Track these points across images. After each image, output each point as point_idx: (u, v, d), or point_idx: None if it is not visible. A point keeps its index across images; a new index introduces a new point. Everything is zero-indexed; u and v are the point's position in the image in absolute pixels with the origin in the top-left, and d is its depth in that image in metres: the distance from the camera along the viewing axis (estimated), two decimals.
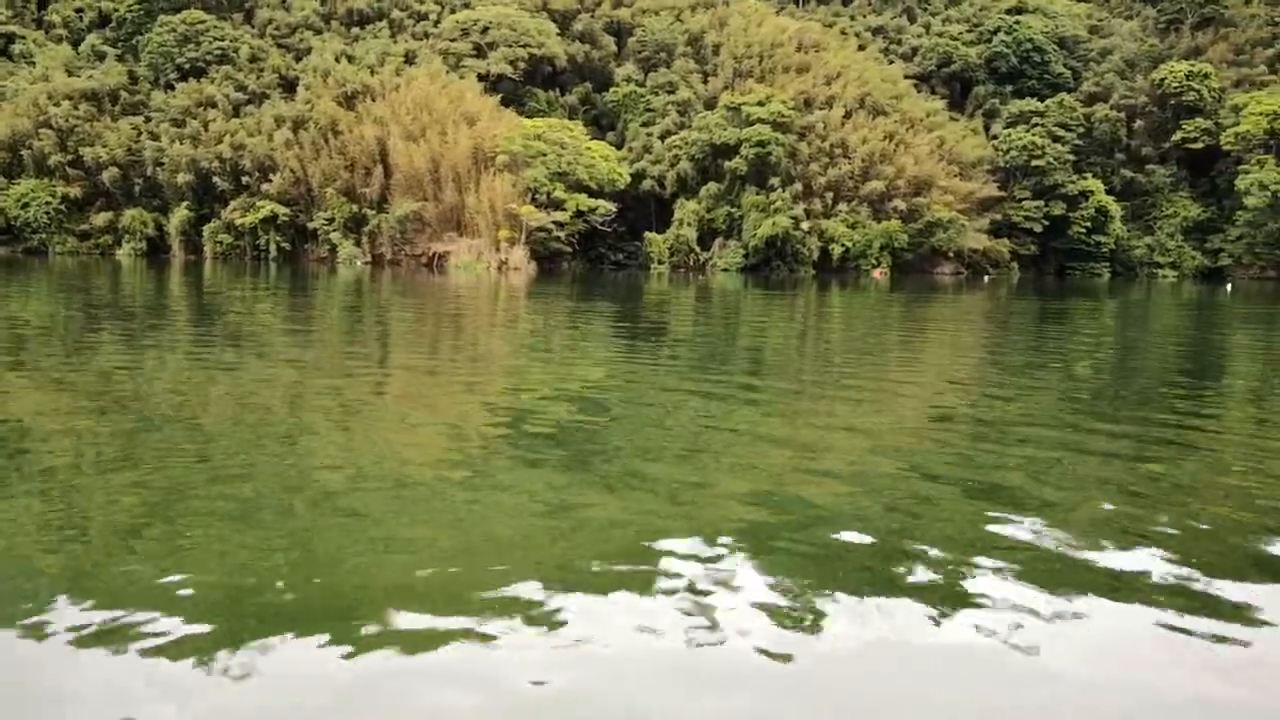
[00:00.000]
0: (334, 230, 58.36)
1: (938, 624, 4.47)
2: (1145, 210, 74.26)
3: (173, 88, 63.90)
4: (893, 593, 4.82)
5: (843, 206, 62.67)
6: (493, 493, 6.54)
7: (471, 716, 3.59)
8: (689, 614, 4.49)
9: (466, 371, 13.56)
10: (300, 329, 19.17)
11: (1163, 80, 71.52)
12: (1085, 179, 70.02)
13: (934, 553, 5.41)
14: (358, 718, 3.55)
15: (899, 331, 22.33)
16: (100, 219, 62.77)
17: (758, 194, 61.08)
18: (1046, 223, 69.21)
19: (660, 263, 61.68)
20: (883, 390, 12.38)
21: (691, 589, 4.77)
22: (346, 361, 13.63)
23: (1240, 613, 4.70)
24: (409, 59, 65.16)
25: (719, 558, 5.24)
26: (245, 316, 21.60)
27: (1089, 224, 69.46)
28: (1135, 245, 72.84)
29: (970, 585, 4.94)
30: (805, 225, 60.98)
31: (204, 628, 4.18)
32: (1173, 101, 71.61)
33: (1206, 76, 70.99)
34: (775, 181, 61.02)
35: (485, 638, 4.17)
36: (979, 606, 4.68)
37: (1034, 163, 68.34)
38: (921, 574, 5.07)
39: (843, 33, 77.67)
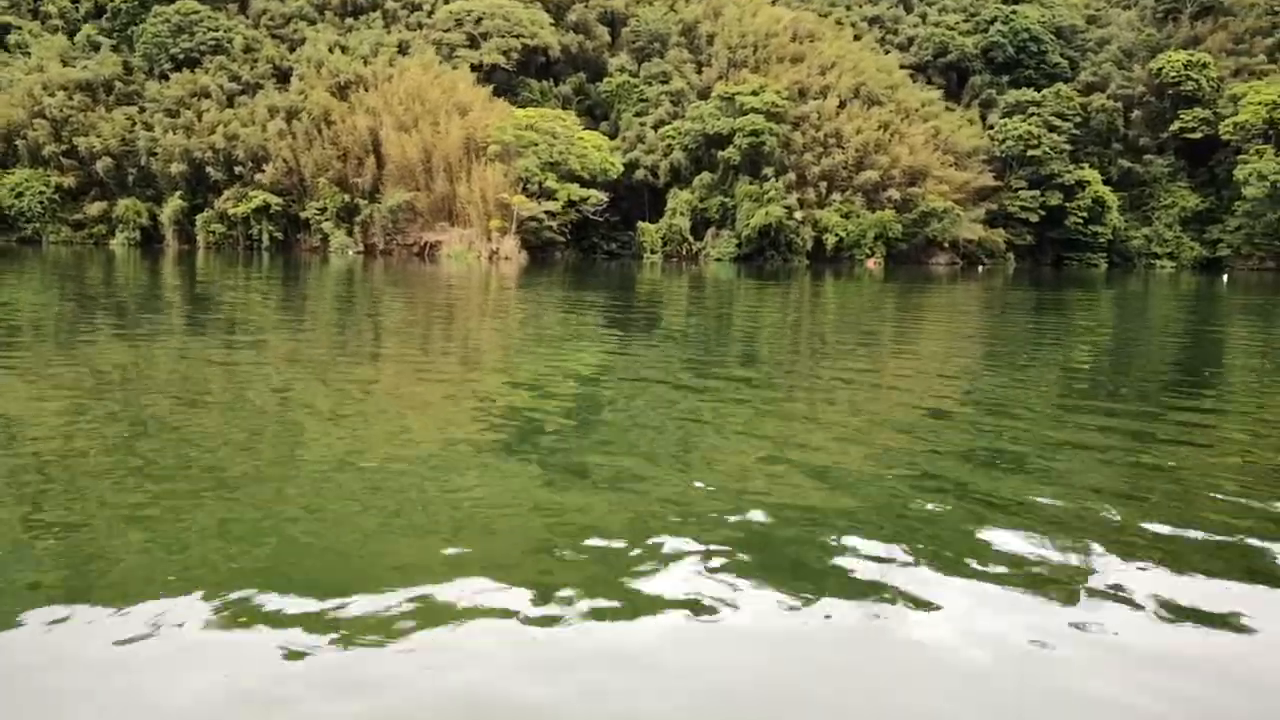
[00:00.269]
0: (326, 220, 58.28)
1: (930, 622, 4.38)
2: (1143, 201, 74.06)
3: (167, 78, 63.72)
4: (885, 589, 4.73)
5: (837, 196, 62.52)
6: (480, 484, 6.44)
7: (458, 710, 3.56)
8: (680, 606, 4.45)
9: (456, 362, 13.47)
10: (293, 319, 19.15)
11: (1161, 70, 71.23)
12: (1082, 169, 69.81)
13: (928, 548, 5.31)
14: (348, 701, 3.57)
15: (893, 322, 22.23)
16: (94, 209, 62.67)
17: (751, 184, 60.93)
18: (1043, 213, 69.00)
19: (653, 252, 61.58)
20: (876, 382, 12.26)
21: (684, 581, 4.73)
22: (337, 354, 13.52)
23: (1236, 612, 4.59)
24: (402, 49, 64.96)
25: (710, 550, 5.17)
26: (239, 306, 21.55)
27: (1085, 214, 69.25)
28: (1133, 236, 72.65)
29: (964, 581, 4.85)
30: (799, 215, 60.85)
31: (201, 611, 4.24)
32: (1171, 91, 71.33)
33: (1205, 66, 70.69)
34: (769, 171, 60.88)
35: (473, 630, 4.16)
36: (974, 602, 4.61)
37: (1030, 152, 68.12)
38: (914, 570, 4.97)
39: (838, 23, 77.37)
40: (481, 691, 3.66)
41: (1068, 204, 69.13)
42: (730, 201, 61.85)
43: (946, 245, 65.24)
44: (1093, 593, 4.74)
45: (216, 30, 64.74)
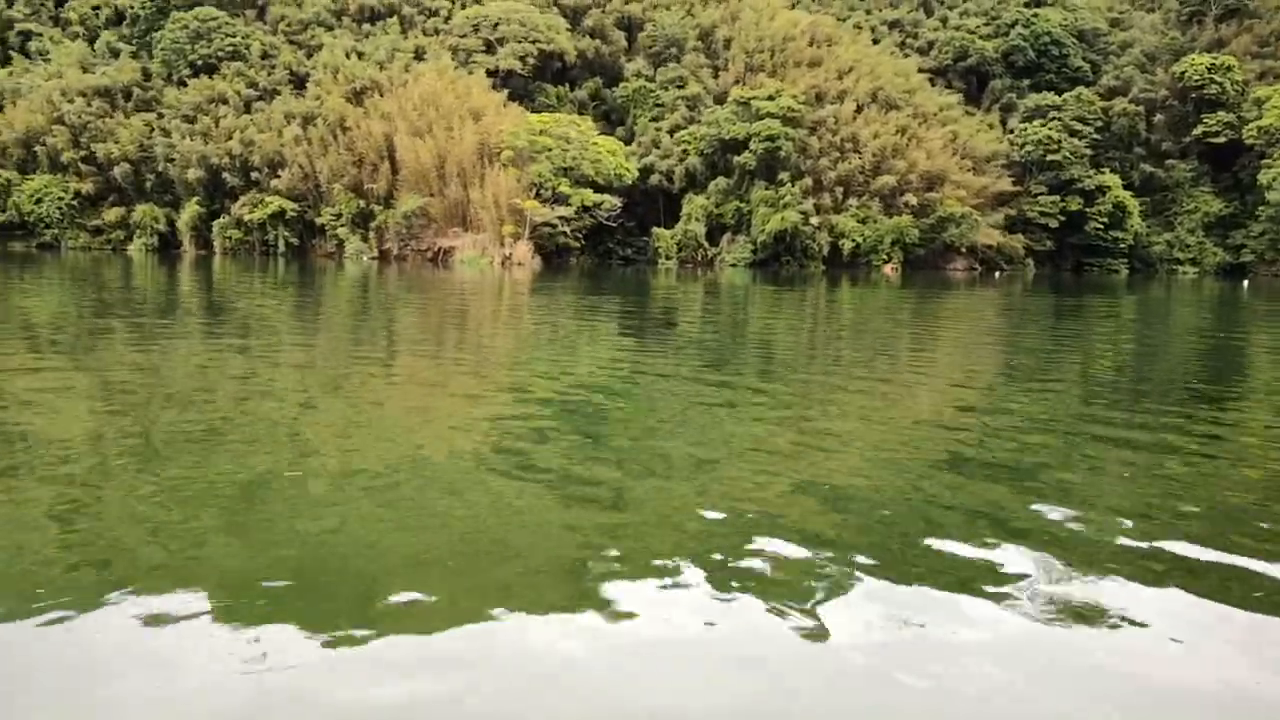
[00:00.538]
0: (341, 225, 58.35)
1: (957, 621, 4.40)
2: (1165, 206, 73.10)
3: (185, 84, 64.07)
4: (909, 591, 4.74)
5: (853, 201, 61.99)
6: (501, 485, 6.50)
7: (485, 701, 3.62)
8: (704, 607, 4.49)
9: (471, 367, 13.28)
10: (310, 324, 19.32)
11: (1184, 73, 70.31)
12: (1102, 174, 68.97)
13: (951, 550, 5.33)
14: (366, 697, 3.63)
15: (911, 327, 21.96)
16: (112, 214, 63.10)
17: (767, 189, 60.53)
18: (1063, 218, 68.20)
19: (668, 258, 61.28)
20: (896, 385, 12.13)
21: (707, 581, 4.77)
22: (353, 360, 13.38)
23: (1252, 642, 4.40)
24: (419, 55, 65.05)
25: (734, 551, 5.21)
26: (256, 311, 21.56)
27: (1106, 219, 68.40)
28: (1154, 241, 71.72)
29: (990, 583, 4.86)
30: (815, 220, 60.38)
31: (224, 609, 4.31)
32: (1194, 95, 70.41)
33: (1229, 69, 69.74)
34: (785, 176, 60.44)
35: (498, 627, 4.24)
36: (1000, 604, 4.60)
37: (1050, 157, 67.36)
38: (939, 572, 5.00)
39: (857, 26, 76.90)
40: (511, 679, 3.78)
41: (1088, 209, 68.31)
42: (746, 207, 61.47)
43: (964, 251, 64.58)
44: (1112, 615, 4.55)
45: (234, 37, 65.06)
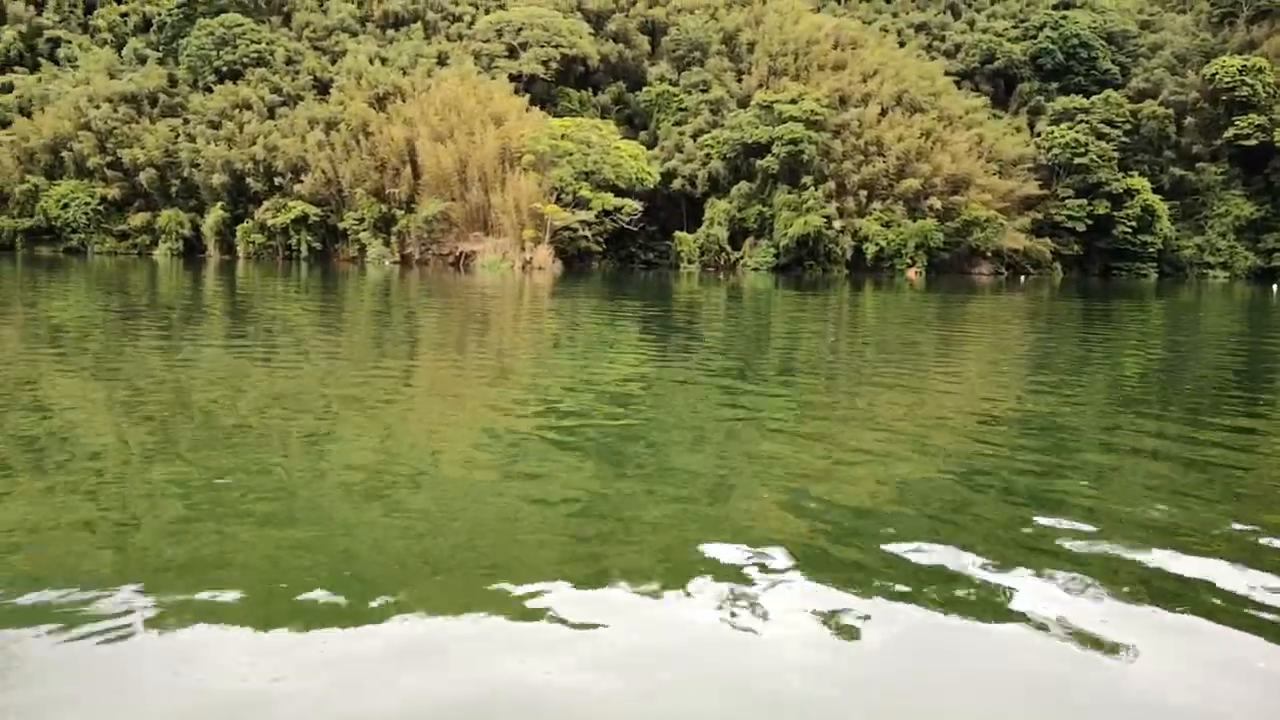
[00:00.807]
0: (363, 230, 58.52)
1: (984, 630, 4.38)
2: (1195, 209, 71.92)
3: (210, 90, 64.60)
4: (937, 597, 4.70)
5: (877, 205, 61.41)
6: (525, 492, 6.51)
7: (490, 711, 3.60)
8: (724, 619, 4.43)
9: (491, 375, 13.10)
10: (333, 328, 19.39)
11: (1215, 75, 69.17)
12: (1131, 177, 67.94)
13: (978, 558, 5.28)
14: (368, 702, 3.63)
15: (936, 331, 21.63)
16: (138, 219, 63.71)
17: (790, 193, 60.09)
18: (1090, 222, 67.17)
19: (690, 262, 60.99)
20: (923, 390, 11.97)
21: (729, 593, 4.73)
22: (374, 367, 13.26)
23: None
24: (442, 60, 65.21)
25: (755, 560, 5.17)
26: (281, 316, 21.57)
27: (1134, 223, 67.38)
28: (1185, 245, 70.58)
29: (1017, 592, 4.82)
30: (838, 224, 59.86)
31: (250, 611, 4.35)
32: (1225, 97, 69.25)
33: (1261, 71, 68.54)
34: (808, 180, 59.98)
35: (516, 635, 4.21)
36: (1026, 613, 4.56)
37: (1077, 160, 66.43)
38: (966, 579, 4.96)
39: (883, 30, 76.30)
40: (523, 688, 3.75)
41: (1116, 213, 67.29)
42: (768, 211, 61.06)
43: (990, 255, 63.80)
44: (1145, 597, 4.46)
45: (259, 43, 65.53)
